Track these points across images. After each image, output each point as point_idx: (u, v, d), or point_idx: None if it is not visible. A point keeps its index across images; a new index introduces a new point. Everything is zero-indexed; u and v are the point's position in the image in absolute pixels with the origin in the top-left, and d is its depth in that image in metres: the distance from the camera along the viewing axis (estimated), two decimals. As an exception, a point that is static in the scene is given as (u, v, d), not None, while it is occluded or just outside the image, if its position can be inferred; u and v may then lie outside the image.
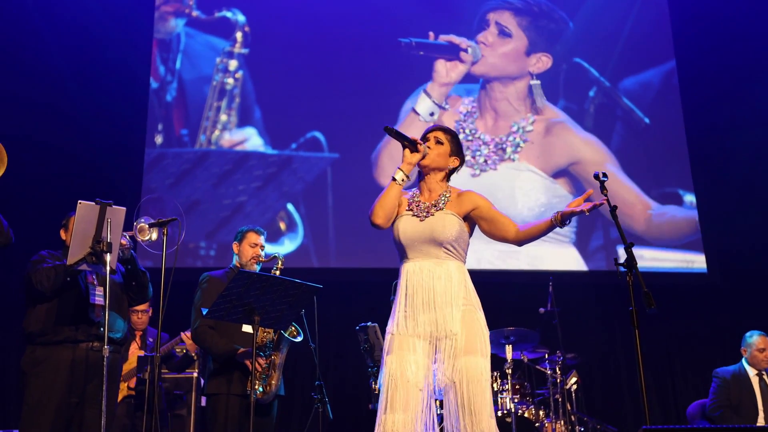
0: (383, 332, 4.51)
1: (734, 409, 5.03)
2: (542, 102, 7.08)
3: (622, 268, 2.69)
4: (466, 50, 7.09)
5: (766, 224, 6.80)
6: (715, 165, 7.10)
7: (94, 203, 3.42)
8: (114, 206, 3.44)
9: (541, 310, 5.69)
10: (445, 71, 7.06)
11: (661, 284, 6.69)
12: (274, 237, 6.53)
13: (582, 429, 5.45)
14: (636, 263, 2.65)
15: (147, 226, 3.62)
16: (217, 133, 6.82)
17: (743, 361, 5.18)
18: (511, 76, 7.14)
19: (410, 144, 2.88)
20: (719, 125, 7.18)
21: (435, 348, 2.82)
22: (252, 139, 6.83)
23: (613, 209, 2.79)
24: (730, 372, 5.16)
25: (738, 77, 7.25)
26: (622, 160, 7.00)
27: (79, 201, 3.40)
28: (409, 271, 2.89)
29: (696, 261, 6.82)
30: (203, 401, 4.59)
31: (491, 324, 3.00)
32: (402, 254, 2.95)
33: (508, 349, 5.29)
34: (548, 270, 6.30)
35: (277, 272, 3.88)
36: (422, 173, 2.99)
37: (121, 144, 6.68)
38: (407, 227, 2.89)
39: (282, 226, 6.62)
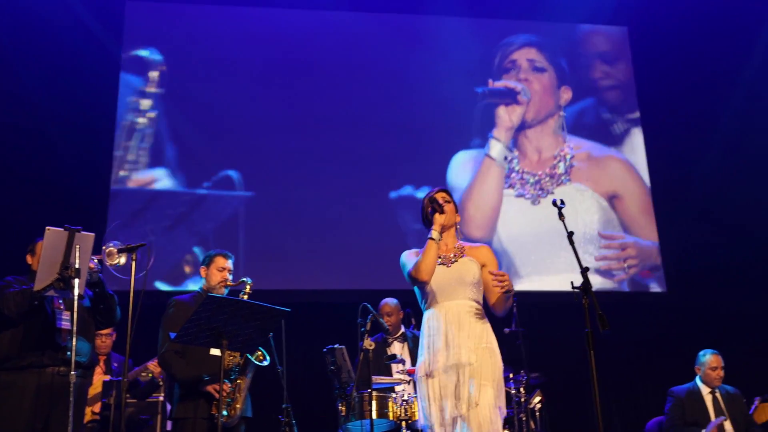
0: (351, 354, 4.58)
1: (688, 426, 5.13)
2: (567, 133, 7.43)
3: (578, 291, 2.81)
4: (519, 92, 7.39)
5: (721, 249, 7.13)
6: (675, 195, 7.44)
7: (62, 229, 3.42)
8: (83, 232, 3.44)
9: (506, 330, 5.78)
10: (507, 116, 7.35)
11: (622, 303, 6.91)
12: (178, 280, 6.42)
13: (546, 448, 5.53)
14: (591, 287, 2.78)
15: (116, 250, 3.61)
16: (124, 173, 6.69)
17: (697, 379, 5.29)
18: (550, 113, 7.46)
19: (439, 207, 3.22)
20: (679, 162, 7.54)
21: (458, 378, 3.08)
22: (162, 180, 6.73)
23: (570, 234, 2.92)
24: (685, 390, 5.26)
25: (699, 111, 7.61)
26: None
27: (47, 227, 3.39)
28: (438, 312, 3.18)
29: (656, 282, 7.14)
30: (169, 425, 4.58)
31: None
32: (431, 300, 3.23)
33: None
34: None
35: (245, 296, 3.92)
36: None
37: (88, 173, 6.60)
38: (437, 274, 3.19)
39: (187, 269, 6.50)
